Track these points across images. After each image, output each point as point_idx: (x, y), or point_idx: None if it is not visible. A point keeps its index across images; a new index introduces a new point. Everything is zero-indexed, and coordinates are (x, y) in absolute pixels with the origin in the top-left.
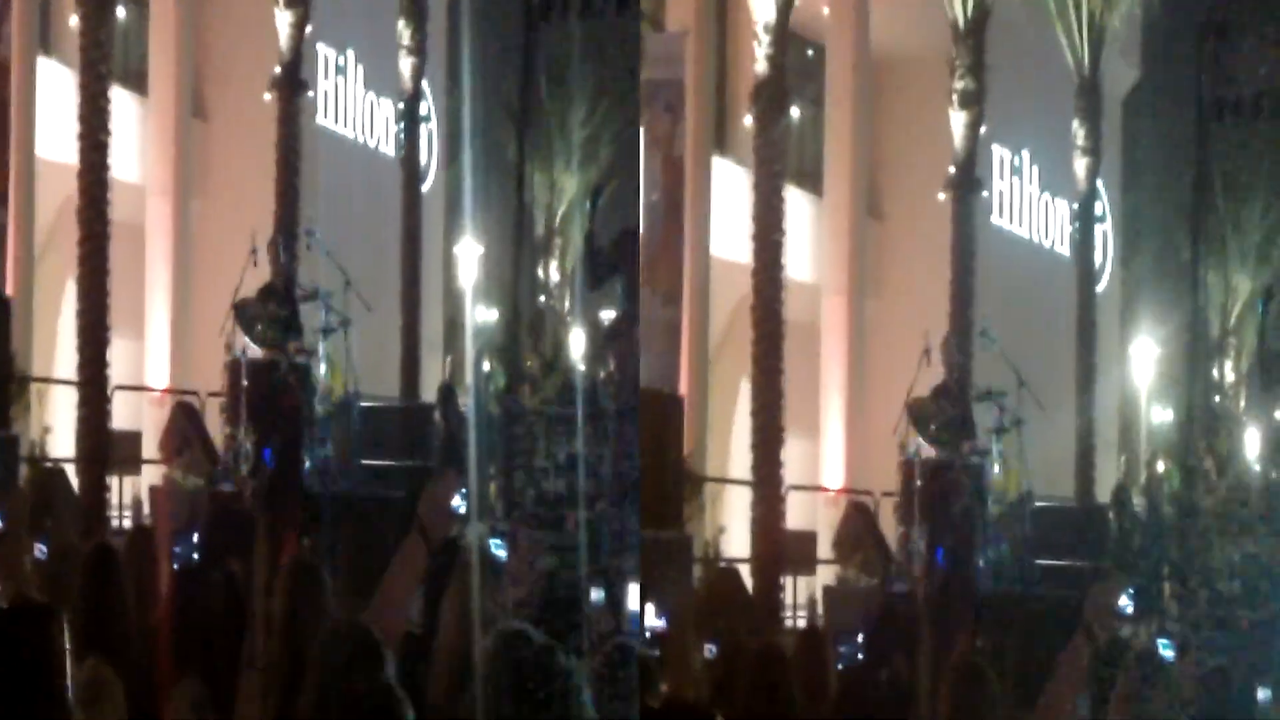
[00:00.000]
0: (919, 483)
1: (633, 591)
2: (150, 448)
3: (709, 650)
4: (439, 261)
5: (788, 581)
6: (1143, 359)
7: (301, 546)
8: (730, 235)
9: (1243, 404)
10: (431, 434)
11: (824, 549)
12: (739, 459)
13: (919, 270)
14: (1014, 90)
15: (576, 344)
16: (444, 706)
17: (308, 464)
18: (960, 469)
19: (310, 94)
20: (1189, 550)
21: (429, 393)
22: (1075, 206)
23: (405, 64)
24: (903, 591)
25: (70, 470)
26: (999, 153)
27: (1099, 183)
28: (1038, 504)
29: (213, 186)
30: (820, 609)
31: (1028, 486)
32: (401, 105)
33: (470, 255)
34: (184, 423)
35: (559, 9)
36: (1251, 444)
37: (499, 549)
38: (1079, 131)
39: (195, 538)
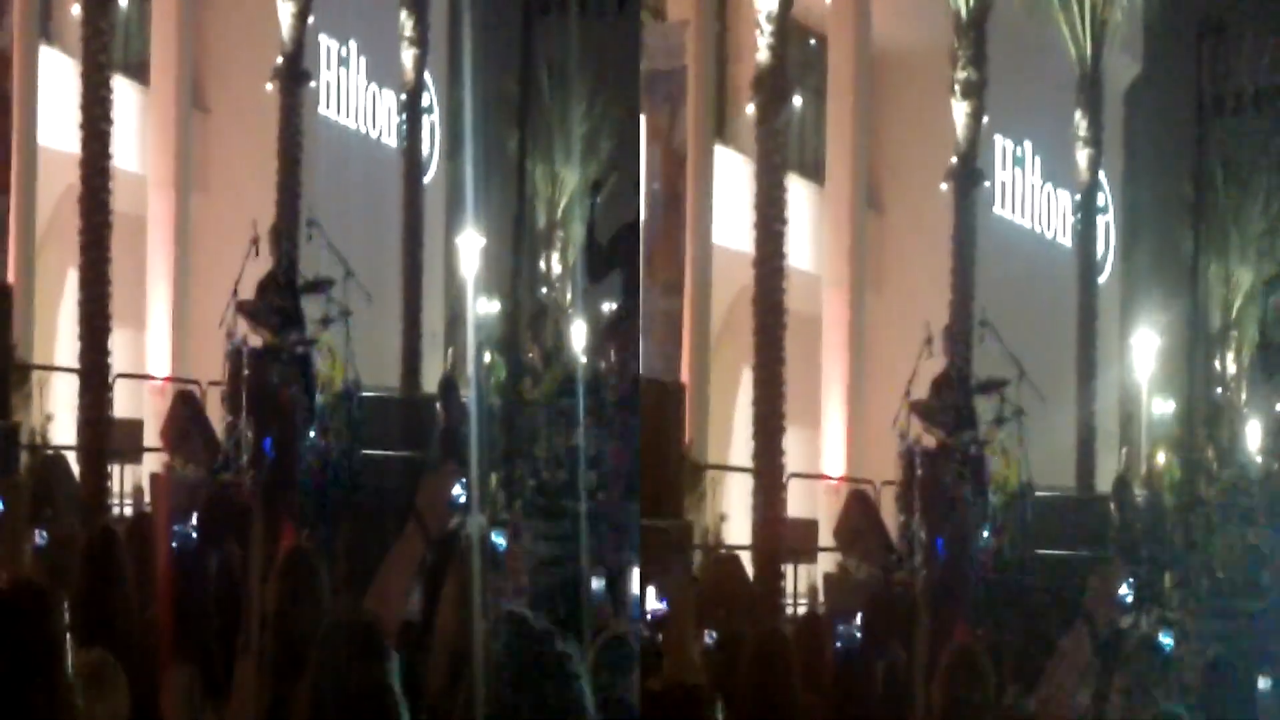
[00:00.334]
0: (919, 472)
1: (633, 580)
2: (151, 436)
3: (709, 637)
4: (440, 253)
5: (789, 569)
6: (1144, 350)
7: (299, 537)
8: (731, 225)
9: (1244, 395)
10: (432, 425)
11: (825, 537)
12: (740, 448)
13: (920, 261)
14: (1016, 81)
15: (578, 336)
16: (443, 696)
17: (307, 454)
18: (961, 459)
19: (312, 85)
20: (1190, 540)
21: (430, 384)
22: (1077, 197)
23: (407, 55)
24: (903, 579)
25: (71, 458)
26: (1001, 143)
27: (1101, 174)
28: (1038, 494)
29: (214, 177)
30: (821, 597)
31: (1028, 477)
32: (403, 97)
33: (471, 247)
34: (185, 412)
35: (559, 3)
36: (1253, 435)
37: (499, 539)
38: (1081, 123)
39: (193, 522)
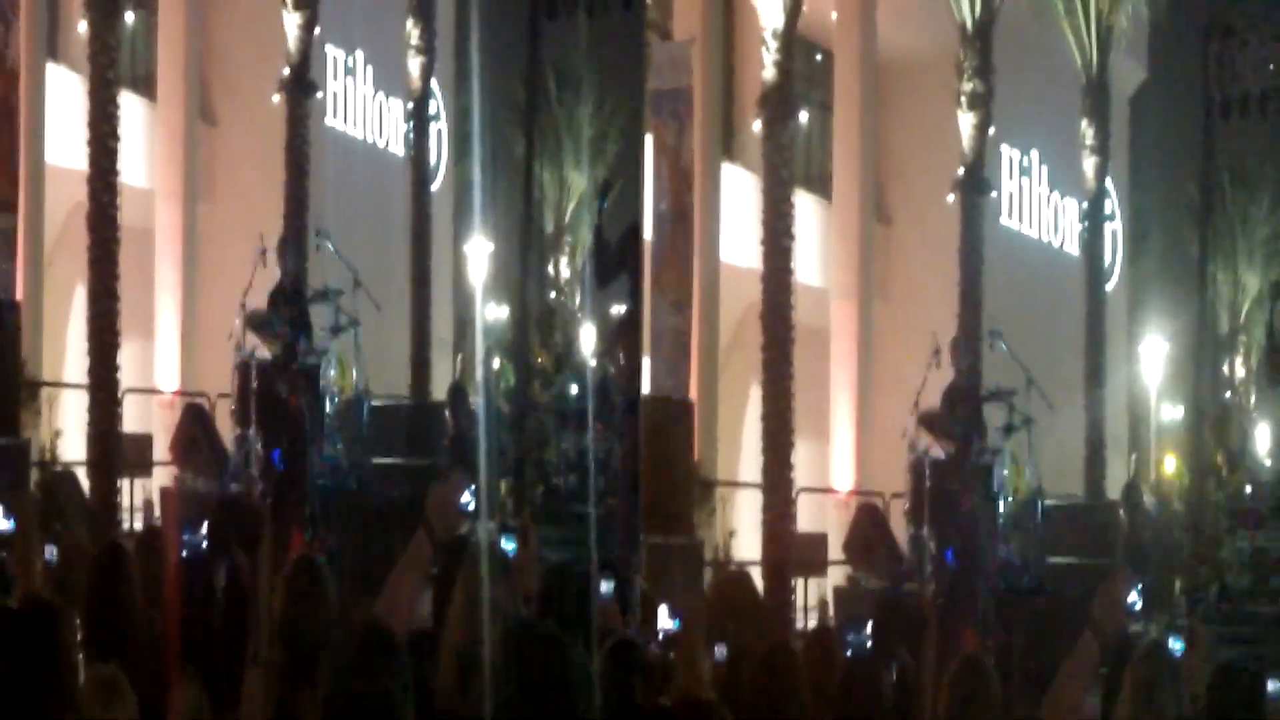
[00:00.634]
0: (929, 483)
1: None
2: (160, 450)
3: (718, 652)
4: (448, 260)
5: (799, 584)
6: (1152, 356)
7: (308, 545)
8: (739, 241)
9: (1252, 399)
10: (440, 432)
11: (834, 551)
12: (749, 463)
13: (927, 272)
14: (1022, 91)
15: (586, 340)
16: (452, 702)
17: (316, 464)
18: (970, 469)
19: (319, 95)
20: (1199, 546)
21: (438, 391)
22: (1084, 205)
23: (414, 64)
24: (912, 591)
25: (81, 473)
26: (1008, 153)
27: (1108, 181)
28: (1048, 502)
29: (221, 190)
30: (831, 610)
31: (1038, 485)
32: (410, 105)
33: (480, 253)
34: (194, 425)
35: (565, 8)
36: (1262, 439)
37: (508, 545)
38: (1087, 131)
39: (203, 531)
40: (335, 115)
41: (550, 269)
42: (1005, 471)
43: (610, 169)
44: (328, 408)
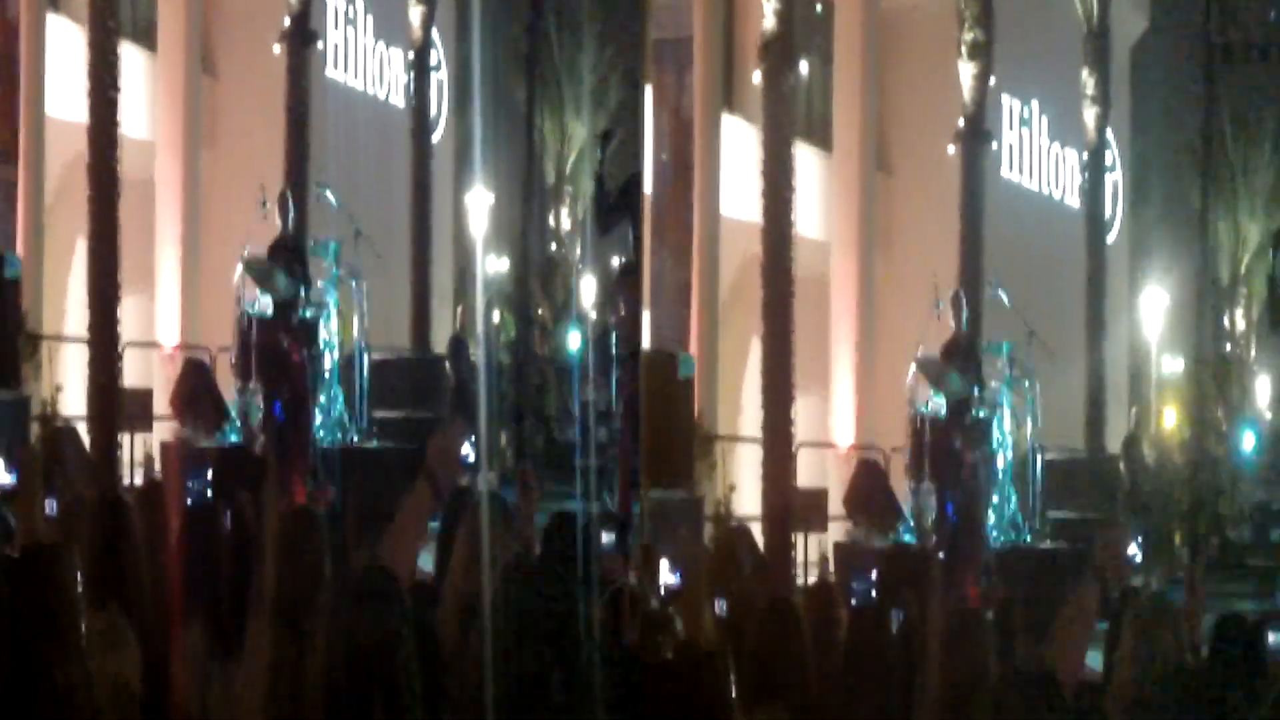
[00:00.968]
0: (929, 437)
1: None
2: (161, 404)
3: (719, 606)
4: (449, 211)
5: (799, 538)
6: (1152, 308)
7: (309, 497)
8: (739, 193)
9: (1253, 351)
10: (442, 385)
11: (835, 505)
12: (750, 417)
13: (929, 224)
14: (1022, 41)
15: (587, 291)
16: (454, 648)
17: (318, 416)
18: (970, 422)
19: (319, 46)
20: (1200, 498)
21: (439, 343)
22: (1085, 156)
23: (414, 13)
24: (913, 543)
25: (82, 428)
26: (1008, 103)
27: (1108, 132)
28: (1048, 455)
29: (222, 141)
30: (831, 565)
31: (1038, 438)
32: (411, 55)
33: (480, 204)
34: (194, 378)
35: None
36: (1262, 390)
37: (509, 495)
38: (1088, 80)
39: (207, 478)
40: (336, 66)
41: (551, 220)
42: (1005, 425)
43: (611, 118)
44: (328, 360)
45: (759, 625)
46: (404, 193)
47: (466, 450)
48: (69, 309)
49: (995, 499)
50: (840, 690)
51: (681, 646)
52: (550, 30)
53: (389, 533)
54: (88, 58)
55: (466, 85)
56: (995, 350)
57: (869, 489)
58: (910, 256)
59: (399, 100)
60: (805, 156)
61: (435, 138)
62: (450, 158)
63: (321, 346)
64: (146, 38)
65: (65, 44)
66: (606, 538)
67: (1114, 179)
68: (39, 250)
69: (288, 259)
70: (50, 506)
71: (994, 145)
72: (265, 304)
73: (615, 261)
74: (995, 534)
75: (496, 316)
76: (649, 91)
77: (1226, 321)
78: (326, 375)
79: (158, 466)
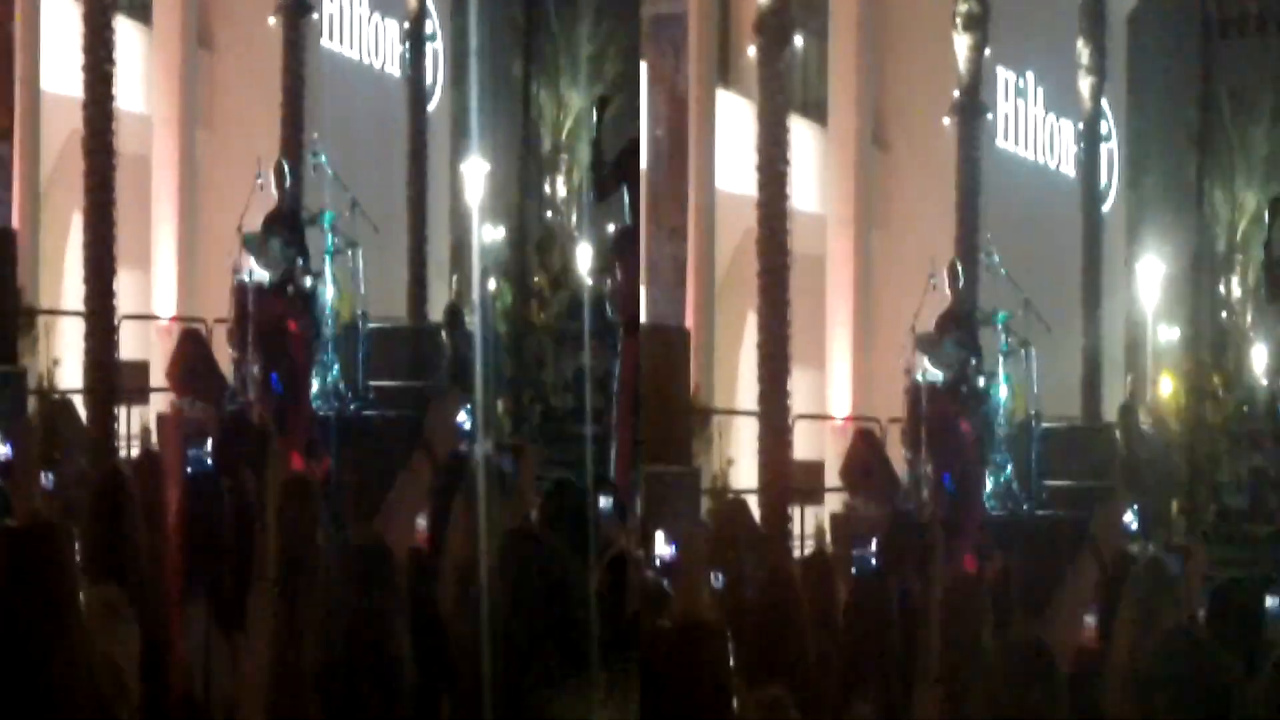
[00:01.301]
0: (925, 408)
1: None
2: (158, 377)
3: (716, 579)
4: (446, 182)
5: (796, 511)
6: (1149, 277)
7: (308, 468)
8: (735, 168)
9: (1249, 319)
10: (439, 354)
11: (831, 478)
12: (746, 391)
13: (925, 197)
14: (1018, 11)
15: (584, 259)
16: (452, 617)
17: (315, 387)
18: (967, 392)
19: (315, 16)
20: (1196, 466)
21: (437, 313)
22: (1080, 127)
23: None
24: (911, 510)
25: (79, 401)
26: (1003, 75)
27: (1104, 102)
28: (1046, 425)
29: (219, 115)
30: (828, 537)
31: (1035, 408)
32: (407, 25)
33: (477, 173)
34: (191, 350)
35: None
36: (1259, 359)
37: (506, 464)
38: (1084, 51)
39: (208, 447)
40: (332, 37)
41: (547, 187)
42: (1002, 394)
43: (609, 87)
44: (326, 331)
45: (757, 598)
46: (401, 163)
47: (463, 419)
48: (66, 283)
49: (992, 469)
50: (840, 661)
51: (678, 619)
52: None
53: (387, 503)
54: (83, 32)
55: (463, 56)
56: (991, 320)
57: (866, 460)
58: (906, 230)
59: (395, 70)
60: (801, 131)
61: (431, 108)
62: (446, 128)
63: (318, 317)
64: (142, 12)
65: (60, 18)
66: (605, 504)
67: (1110, 149)
68: (36, 225)
69: (284, 229)
70: (47, 480)
71: (989, 117)
72: (262, 275)
73: (611, 228)
74: (992, 504)
75: (493, 285)
76: (643, 67)
77: (1223, 289)
78: (324, 345)
79: (155, 438)
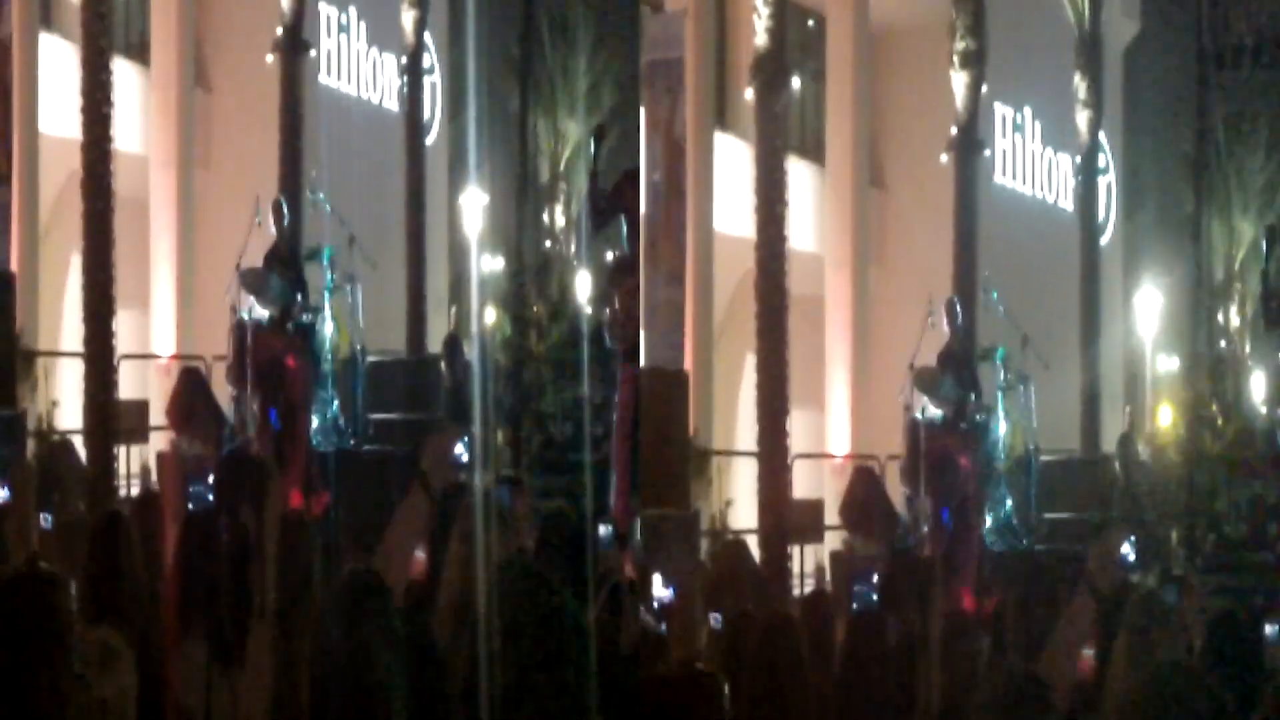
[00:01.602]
0: (924, 444)
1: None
2: (157, 416)
3: (714, 620)
4: (443, 216)
5: (796, 550)
6: (1147, 308)
7: (307, 504)
8: (733, 210)
9: (1247, 348)
10: (438, 387)
11: (831, 516)
12: (745, 432)
13: (923, 236)
14: (1014, 48)
15: (582, 288)
16: (449, 648)
17: (315, 423)
18: (965, 428)
19: (312, 54)
20: (1196, 496)
21: (435, 346)
22: (1078, 160)
23: (407, 17)
24: (911, 549)
25: (78, 442)
26: (1001, 111)
27: (1101, 136)
28: (1045, 458)
29: (216, 154)
30: (828, 576)
31: (1034, 442)
32: (404, 60)
33: (475, 205)
34: (190, 388)
35: None
36: (1257, 387)
37: (504, 495)
38: (1080, 85)
39: (209, 482)
40: (329, 74)
41: (546, 218)
42: (1001, 430)
43: (606, 117)
44: (325, 366)
45: (756, 640)
46: (399, 196)
47: (460, 451)
48: (65, 324)
49: (991, 504)
50: (838, 700)
51: (675, 662)
52: (544, 32)
53: (385, 537)
54: (81, 75)
55: (460, 89)
56: (990, 356)
57: (865, 498)
58: (904, 268)
59: (393, 105)
60: (799, 171)
61: (429, 141)
62: (444, 161)
63: (317, 352)
64: (140, 53)
65: (58, 61)
66: (603, 532)
67: (1107, 182)
68: (34, 266)
69: (282, 266)
70: (45, 521)
71: (986, 153)
72: (260, 312)
73: (609, 257)
74: (991, 539)
75: (493, 316)
76: (641, 113)
77: (1221, 319)
78: (322, 381)
79: (154, 477)
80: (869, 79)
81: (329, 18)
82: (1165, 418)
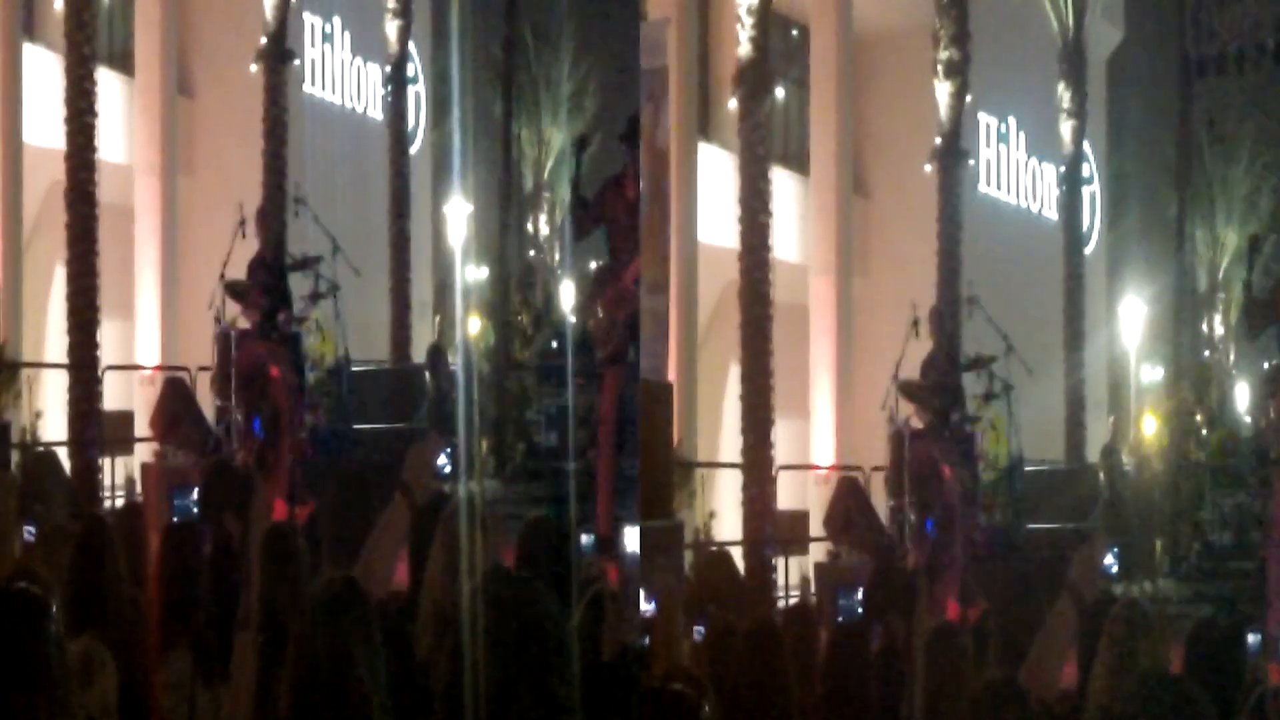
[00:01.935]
0: (908, 454)
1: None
2: (141, 426)
3: (697, 632)
4: (427, 224)
5: (780, 561)
6: (1131, 318)
7: (291, 513)
8: (717, 220)
9: (1231, 356)
10: (422, 395)
11: (815, 527)
12: (730, 443)
13: (907, 244)
14: (998, 57)
15: (566, 296)
16: (431, 658)
17: (298, 432)
18: (950, 438)
19: (296, 63)
20: (1180, 504)
21: (419, 355)
22: (1062, 169)
23: (391, 27)
24: (895, 560)
25: (63, 453)
26: (985, 119)
27: (1085, 145)
28: (1029, 467)
29: (200, 163)
30: (812, 587)
31: (1018, 451)
32: (388, 69)
33: (459, 213)
34: (174, 398)
35: None
36: (1241, 396)
37: (486, 504)
38: (1064, 94)
39: (194, 495)
40: (313, 83)
41: (530, 226)
42: (985, 440)
43: (590, 125)
44: (308, 375)
45: (739, 652)
46: (382, 204)
47: (442, 461)
48: (49, 335)
49: (975, 514)
50: (822, 712)
51: (657, 674)
52: (527, 37)
53: (366, 547)
54: (64, 84)
55: (444, 98)
56: (974, 364)
57: (850, 508)
58: (888, 277)
59: (377, 114)
60: (782, 181)
61: (413, 150)
62: (428, 170)
63: (301, 362)
64: (123, 62)
65: (42, 71)
66: (587, 540)
67: (1091, 191)
68: (17, 277)
69: (266, 275)
70: (28, 533)
71: (971, 162)
72: (244, 321)
73: (594, 265)
74: (975, 548)
75: (477, 324)
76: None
77: (1205, 327)
78: (306, 389)
79: (139, 488)
80: (852, 88)
81: (313, 27)
82: (1149, 427)
